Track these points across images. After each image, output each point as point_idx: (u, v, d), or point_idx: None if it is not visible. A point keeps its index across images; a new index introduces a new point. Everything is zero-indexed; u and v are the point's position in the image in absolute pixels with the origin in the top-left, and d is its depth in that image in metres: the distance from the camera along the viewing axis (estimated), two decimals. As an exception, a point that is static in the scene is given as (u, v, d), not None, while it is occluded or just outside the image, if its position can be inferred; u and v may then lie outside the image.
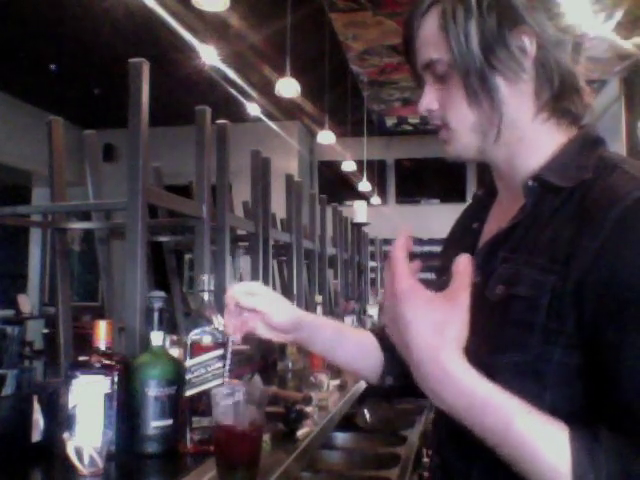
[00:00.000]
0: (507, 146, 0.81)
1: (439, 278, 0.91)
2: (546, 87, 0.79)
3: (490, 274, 0.77)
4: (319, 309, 2.71)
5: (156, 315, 1.23)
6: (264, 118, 7.27)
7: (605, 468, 0.61)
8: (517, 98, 0.79)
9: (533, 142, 0.81)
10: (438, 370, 0.65)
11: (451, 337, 0.65)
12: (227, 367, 0.97)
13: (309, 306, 3.31)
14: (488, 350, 0.71)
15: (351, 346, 1.04)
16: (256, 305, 0.96)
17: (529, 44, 0.76)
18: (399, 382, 1.01)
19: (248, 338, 0.98)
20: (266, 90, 5.90)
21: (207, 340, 1.18)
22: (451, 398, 0.66)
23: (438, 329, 0.65)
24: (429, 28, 0.80)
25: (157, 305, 1.23)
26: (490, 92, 0.77)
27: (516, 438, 0.64)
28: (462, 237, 0.93)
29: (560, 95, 0.79)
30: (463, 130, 0.80)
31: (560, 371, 0.69)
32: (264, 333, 0.98)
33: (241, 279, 3.34)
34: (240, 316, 0.96)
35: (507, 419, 0.64)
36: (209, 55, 5.03)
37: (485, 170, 0.91)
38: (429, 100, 0.82)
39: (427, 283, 0.69)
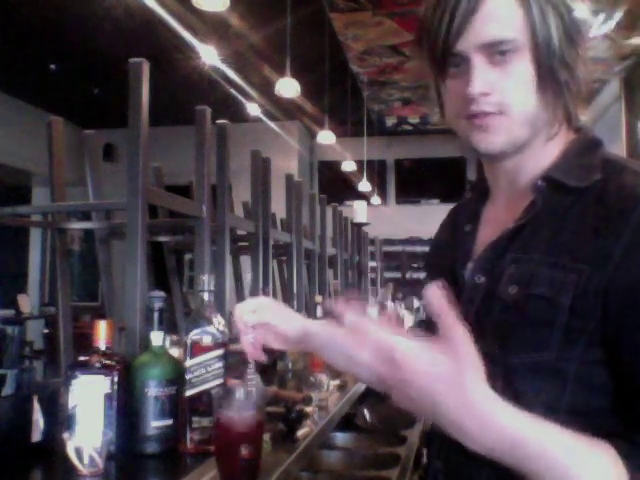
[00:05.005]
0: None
1: (430, 278, 0.89)
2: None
3: (499, 275, 0.76)
4: (319, 309, 2.71)
5: (156, 315, 1.23)
6: (264, 118, 7.28)
7: None
8: None
9: (543, 143, 0.80)
10: (478, 421, 0.61)
11: (475, 381, 0.61)
12: (254, 388, 0.98)
13: (309, 306, 3.31)
14: (505, 351, 0.70)
15: None
16: (262, 319, 0.97)
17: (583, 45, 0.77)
18: None
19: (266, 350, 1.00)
20: (266, 90, 5.91)
21: (207, 340, 1.18)
22: (493, 441, 0.62)
23: (458, 384, 0.60)
24: (502, 3, 0.74)
25: (157, 305, 1.23)
26: (560, 82, 0.76)
27: (562, 474, 0.62)
28: (453, 240, 0.91)
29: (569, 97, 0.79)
30: (523, 119, 0.76)
31: (580, 369, 0.69)
32: (276, 345, 0.99)
33: (242, 282, 3.34)
34: (253, 333, 0.97)
35: (551, 456, 0.62)
36: (209, 55, 5.04)
37: (479, 170, 0.90)
38: (484, 82, 0.74)
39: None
